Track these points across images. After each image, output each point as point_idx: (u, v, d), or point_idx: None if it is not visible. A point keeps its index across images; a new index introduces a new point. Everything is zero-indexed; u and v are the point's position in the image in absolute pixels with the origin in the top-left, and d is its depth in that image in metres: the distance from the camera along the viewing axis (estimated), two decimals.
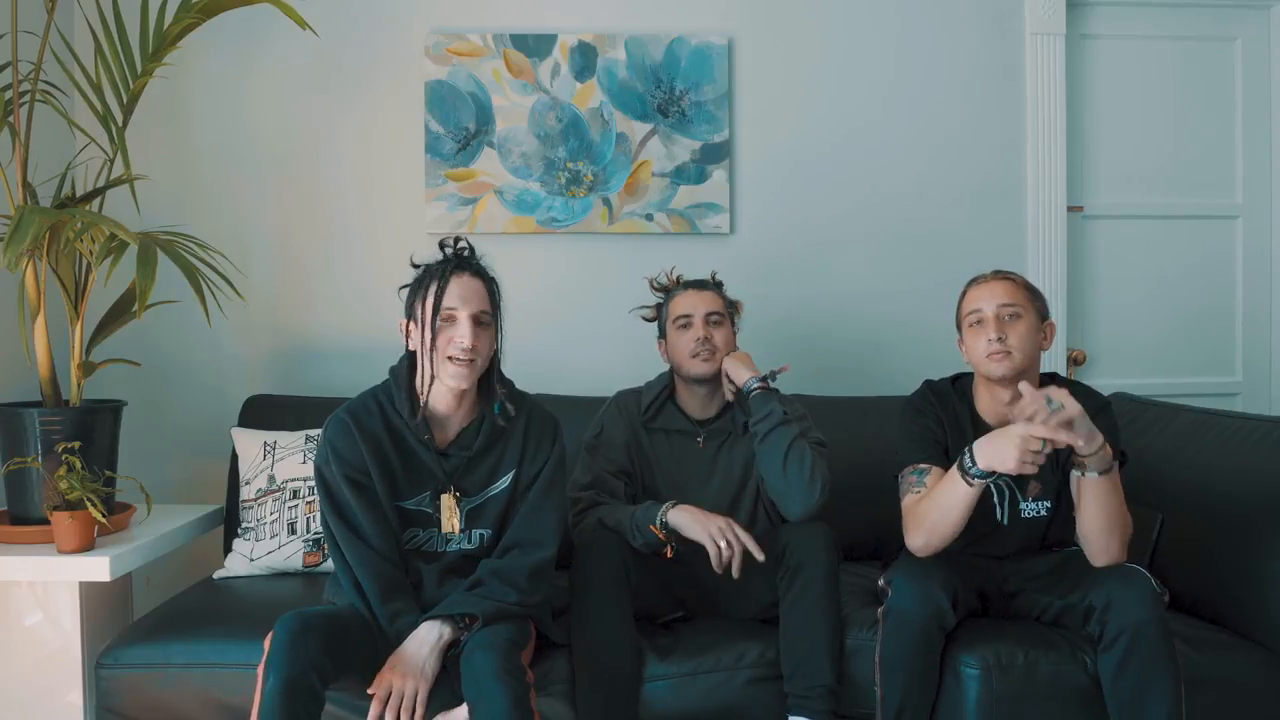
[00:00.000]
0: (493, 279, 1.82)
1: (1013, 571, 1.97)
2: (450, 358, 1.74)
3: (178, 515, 2.30)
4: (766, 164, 2.82)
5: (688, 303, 2.15)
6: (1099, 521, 1.79)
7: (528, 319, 2.65)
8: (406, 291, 1.83)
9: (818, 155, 2.83)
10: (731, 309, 2.22)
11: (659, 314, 2.24)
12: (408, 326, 1.81)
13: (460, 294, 1.75)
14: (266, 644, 1.56)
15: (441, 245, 1.82)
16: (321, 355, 2.71)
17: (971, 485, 1.76)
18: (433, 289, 1.75)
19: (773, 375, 2.11)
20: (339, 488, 1.76)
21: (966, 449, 1.77)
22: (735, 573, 1.88)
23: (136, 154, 2.38)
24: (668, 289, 2.24)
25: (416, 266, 1.83)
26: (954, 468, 1.79)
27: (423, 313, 1.75)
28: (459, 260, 1.80)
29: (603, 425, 2.17)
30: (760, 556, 1.87)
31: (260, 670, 1.53)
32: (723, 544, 1.87)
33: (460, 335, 1.73)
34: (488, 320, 1.78)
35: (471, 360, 1.74)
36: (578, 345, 2.77)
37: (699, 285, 2.20)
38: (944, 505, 1.80)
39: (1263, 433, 2.07)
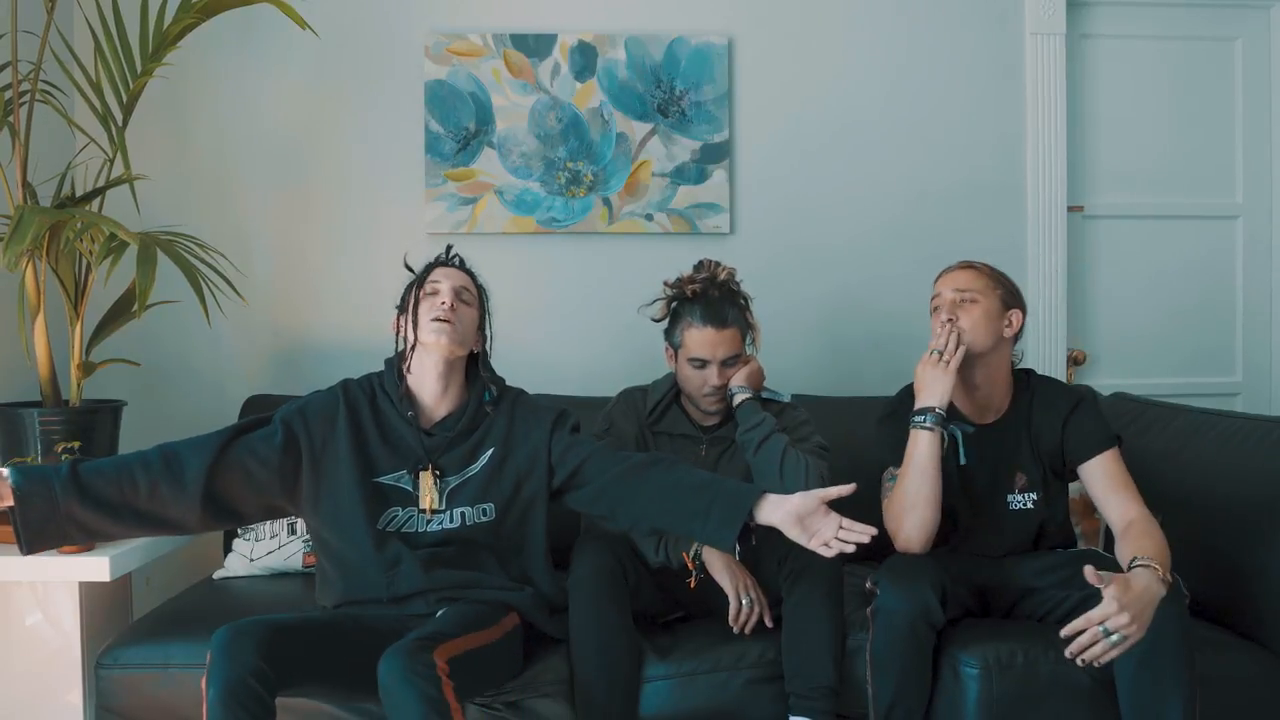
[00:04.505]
0: (481, 284, 1.93)
1: (1019, 570, 1.96)
2: (433, 319, 1.80)
3: None
4: (766, 164, 2.82)
5: (705, 344, 2.02)
6: None
7: (527, 319, 2.67)
8: None
9: (818, 155, 2.83)
10: (749, 336, 2.11)
11: (669, 311, 2.12)
12: (398, 322, 1.87)
13: (444, 274, 1.87)
14: (209, 658, 1.54)
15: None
16: (321, 355, 2.70)
17: (926, 431, 1.85)
18: (420, 276, 1.88)
19: (775, 402, 2.11)
20: (267, 430, 1.79)
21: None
22: (748, 631, 1.90)
23: (136, 154, 2.37)
24: (683, 293, 2.09)
25: (410, 270, 1.91)
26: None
27: (409, 298, 1.85)
28: (448, 257, 1.92)
29: (612, 420, 2.14)
30: (770, 624, 1.91)
31: (203, 684, 1.52)
32: (745, 601, 1.90)
33: (443, 297, 1.82)
34: (470, 300, 1.87)
35: (451, 323, 1.80)
36: (577, 345, 2.76)
37: (718, 323, 2.03)
38: (914, 469, 1.86)
39: (1263, 433, 2.07)
